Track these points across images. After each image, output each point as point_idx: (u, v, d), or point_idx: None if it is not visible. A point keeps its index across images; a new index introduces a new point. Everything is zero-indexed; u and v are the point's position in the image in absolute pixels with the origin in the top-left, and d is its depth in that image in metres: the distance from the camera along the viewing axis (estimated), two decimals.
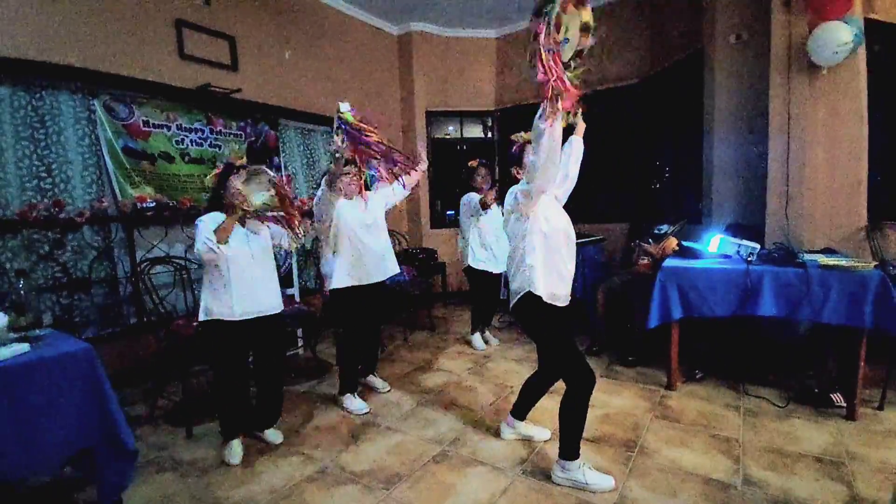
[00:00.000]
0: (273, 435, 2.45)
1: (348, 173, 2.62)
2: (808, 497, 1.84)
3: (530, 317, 2.01)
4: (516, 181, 2.07)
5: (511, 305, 2.05)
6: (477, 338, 3.92)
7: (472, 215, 3.69)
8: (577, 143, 2.22)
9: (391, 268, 2.90)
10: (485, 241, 3.71)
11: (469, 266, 3.76)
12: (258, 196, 2.17)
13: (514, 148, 2.18)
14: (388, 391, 3.04)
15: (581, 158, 2.22)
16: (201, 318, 2.19)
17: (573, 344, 1.99)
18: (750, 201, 3.46)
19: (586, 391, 1.94)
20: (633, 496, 1.89)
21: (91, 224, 3.09)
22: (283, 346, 2.64)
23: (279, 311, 2.37)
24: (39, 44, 2.83)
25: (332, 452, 2.32)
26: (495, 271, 3.76)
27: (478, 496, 1.94)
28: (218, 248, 2.05)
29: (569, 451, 1.97)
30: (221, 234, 2.07)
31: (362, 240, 2.71)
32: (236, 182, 2.11)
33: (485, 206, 3.54)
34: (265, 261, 2.30)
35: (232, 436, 2.31)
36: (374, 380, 3.09)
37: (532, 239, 1.94)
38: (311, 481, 2.08)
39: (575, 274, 2.09)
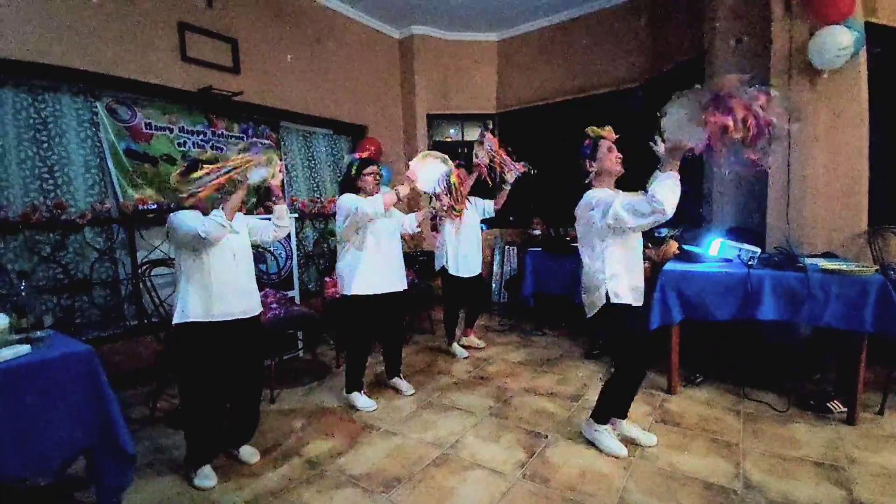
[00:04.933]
0: (248, 453, 2.27)
1: (371, 173, 2.69)
2: (809, 501, 1.83)
3: (616, 326, 2.14)
4: (586, 174, 2.19)
5: (589, 316, 2.19)
6: (456, 346, 3.79)
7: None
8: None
9: (401, 283, 2.89)
10: (459, 248, 3.61)
11: (444, 269, 3.67)
12: (257, 173, 2.05)
13: (587, 142, 2.23)
14: (413, 394, 3.01)
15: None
16: (177, 320, 2.03)
17: (642, 340, 2.22)
18: (750, 205, 3.46)
19: (636, 380, 2.20)
20: (632, 500, 1.89)
21: (92, 226, 3.10)
22: (263, 353, 2.45)
23: (258, 313, 2.24)
24: (42, 46, 2.85)
25: (331, 455, 2.31)
26: (467, 276, 3.68)
27: (477, 500, 1.93)
28: (228, 223, 1.96)
29: (600, 416, 2.27)
30: (231, 210, 2.00)
31: (384, 244, 2.75)
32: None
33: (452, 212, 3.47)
34: (245, 260, 2.19)
35: (204, 461, 2.10)
36: (400, 382, 3.07)
37: (614, 245, 2.06)
38: (310, 484, 2.07)
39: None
